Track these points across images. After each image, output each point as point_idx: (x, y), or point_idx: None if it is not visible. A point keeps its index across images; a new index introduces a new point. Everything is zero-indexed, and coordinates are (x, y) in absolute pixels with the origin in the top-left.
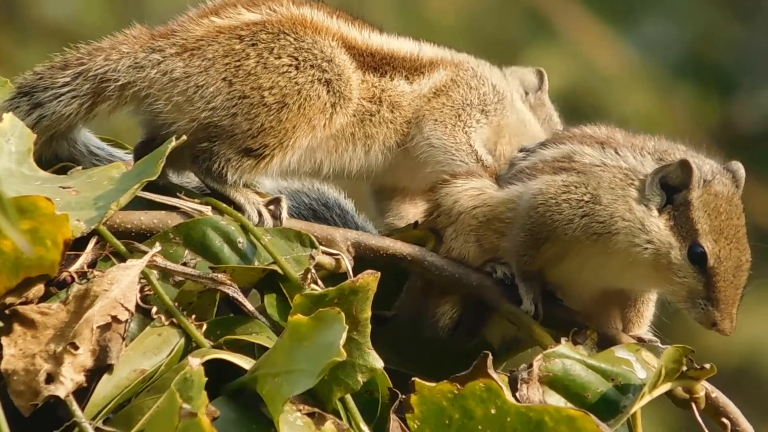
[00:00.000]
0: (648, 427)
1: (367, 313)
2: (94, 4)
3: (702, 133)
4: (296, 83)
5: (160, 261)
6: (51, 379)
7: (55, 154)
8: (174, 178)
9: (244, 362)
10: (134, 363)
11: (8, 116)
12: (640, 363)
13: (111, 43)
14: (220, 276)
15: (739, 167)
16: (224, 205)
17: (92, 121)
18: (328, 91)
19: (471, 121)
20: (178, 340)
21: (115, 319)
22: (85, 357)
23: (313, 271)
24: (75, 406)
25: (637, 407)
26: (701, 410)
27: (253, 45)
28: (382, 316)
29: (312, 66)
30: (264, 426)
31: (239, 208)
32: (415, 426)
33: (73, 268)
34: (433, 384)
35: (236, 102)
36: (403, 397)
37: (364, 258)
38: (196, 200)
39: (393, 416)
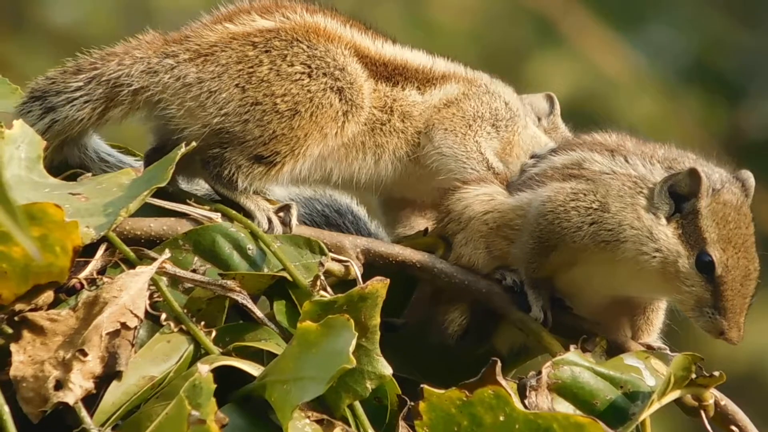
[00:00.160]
0: None
1: (376, 320)
2: (101, 11)
3: (709, 140)
4: (309, 91)
5: (170, 268)
6: (60, 385)
7: (65, 160)
8: (184, 185)
9: (253, 369)
10: (143, 370)
11: (18, 123)
12: (649, 370)
13: (124, 48)
14: (230, 283)
15: (748, 176)
16: (234, 211)
17: (104, 126)
18: (341, 100)
19: (482, 132)
20: (187, 346)
21: (124, 325)
22: (94, 364)
23: (322, 277)
24: (84, 413)
25: (646, 415)
26: (710, 418)
27: (266, 52)
28: (391, 324)
29: (325, 74)
30: None
31: (249, 214)
32: None
33: (82, 275)
34: (441, 391)
35: (248, 108)
36: (412, 404)
37: (374, 265)
38: (205, 207)
39: (401, 423)
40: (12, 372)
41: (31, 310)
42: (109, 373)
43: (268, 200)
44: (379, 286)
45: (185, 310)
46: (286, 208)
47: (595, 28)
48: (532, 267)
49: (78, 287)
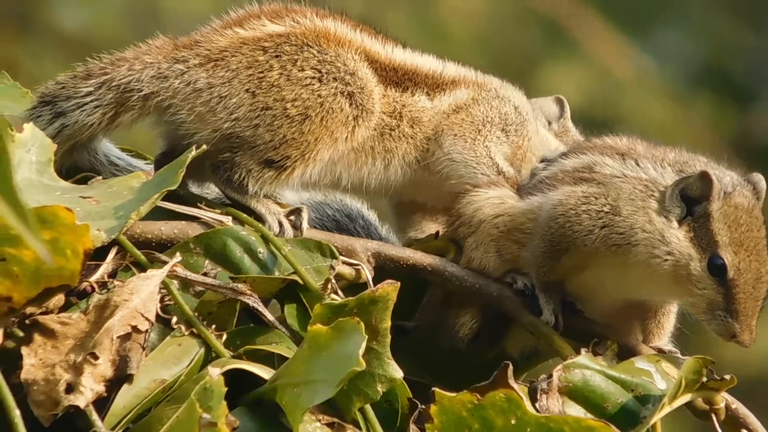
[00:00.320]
0: None
1: (387, 323)
2: (109, 15)
3: (720, 144)
4: (319, 96)
5: (181, 271)
6: (71, 389)
7: (75, 164)
8: (194, 188)
9: (264, 372)
10: (154, 373)
11: (29, 126)
12: (660, 374)
13: (134, 53)
14: (241, 286)
15: (760, 179)
16: (245, 215)
17: (114, 131)
18: (351, 104)
19: (491, 137)
20: (198, 350)
21: (135, 329)
22: (105, 367)
23: (333, 281)
24: (95, 416)
25: (656, 418)
26: (721, 421)
27: (276, 57)
28: (402, 327)
29: (335, 79)
30: None
31: (260, 218)
32: None
33: (93, 278)
34: (453, 394)
35: (259, 113)
36: (423, 407)
37: (385, 268)
38: (216, 210)
39: (412, 426)
40: (23, 375)
41: (42, 314)
42: (120, 377)
43: (279, 203)
44: (390, 289)
45: (196, 314)
46: (296, 211)
47: (605, 32)
48: (543, 270)
49: (89, 290)
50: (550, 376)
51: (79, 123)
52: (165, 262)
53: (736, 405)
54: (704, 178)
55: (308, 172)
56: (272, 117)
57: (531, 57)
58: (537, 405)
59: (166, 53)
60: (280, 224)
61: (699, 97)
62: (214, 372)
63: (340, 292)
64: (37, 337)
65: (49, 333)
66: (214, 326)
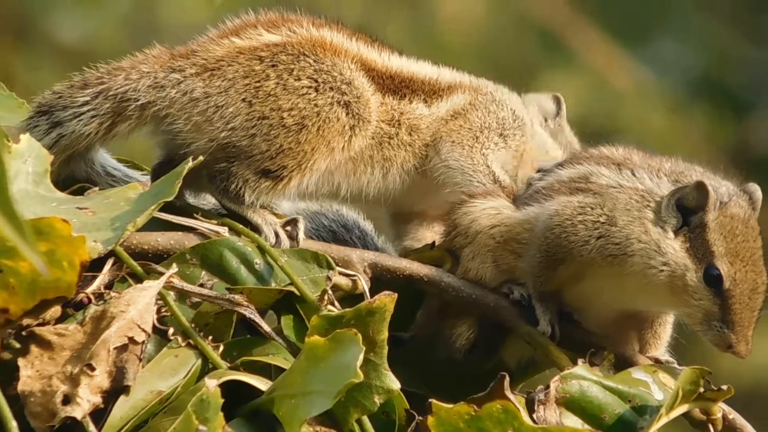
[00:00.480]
0: None
1: (384, 334)
2: (107, 25)
3: (717, 154)
4: (315, 105)
5: (177, 282)
6: (68, 400)
7: (72, 175)
8: (191, 199)
9: (261, 383)
10: (151, 384)
11: (25, 137)
12: (657, 384)
13: (131, 62)
14: (237, 297)
15: (755, 189)
16: (241, 226)
17: (111, 141)
18: (348, 114)
19: (489, 144)
20: (195, 361)
21: (131, 340)
22: (101, 378)
23: (329, 292)
24: (92, 428)
25: (654, 429)
26: None
27: (273, 66)
28: (399, 338)
29: (331, 88)
30: None
31: (256, 229)
32: None
33: (89, 290)
34: (450, 405)
35: (255, 123)
36: (420, 418)
37: (381, 279)
38: (213, 221)
39: None
40: (20, 387)
41: (38, 325)
42: (117, 388)
43: (276, 214)
44: (387, 300)
45: (193, 325)
46: (293, 222)
47: (603, 43)
48: (540, 281)
49: (85, 302)
50: (547, 386)
51: (76, 133)
52: (161, 273)
53: (734, 415)
54: (700, 188)
55: (305, 181)
56: (269, 126)
57: (529, 67)
58: (534, 416)
59: (162, 62)
60: (277, 235)
61: (697, 108)
62: (211, 383)
63: (336, 303)
64: (34, 349)
65: (45, 344)
66: (210, 337)
